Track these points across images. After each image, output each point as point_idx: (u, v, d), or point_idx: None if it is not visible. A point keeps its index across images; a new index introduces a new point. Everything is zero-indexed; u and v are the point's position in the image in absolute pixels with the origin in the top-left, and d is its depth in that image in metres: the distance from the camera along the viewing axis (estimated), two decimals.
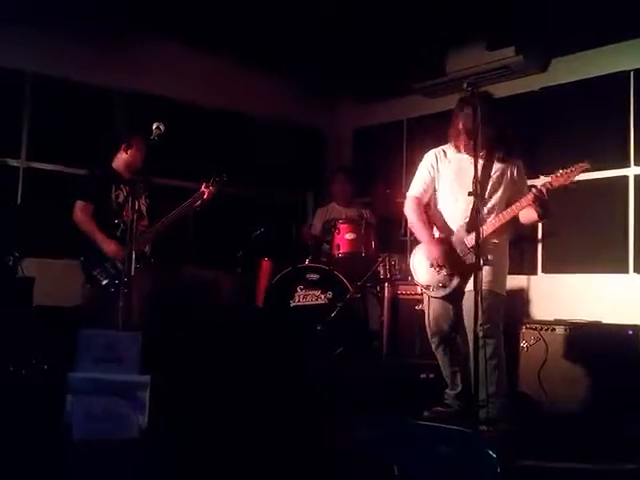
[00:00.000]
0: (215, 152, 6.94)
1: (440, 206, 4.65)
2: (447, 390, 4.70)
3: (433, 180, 4.63)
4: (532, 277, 6.44)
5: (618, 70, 6.03)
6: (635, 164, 5.91)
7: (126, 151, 5.35)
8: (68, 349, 4.08)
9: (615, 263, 5.94)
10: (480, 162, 4.36)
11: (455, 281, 4.45)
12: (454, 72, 6.74)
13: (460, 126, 4.44)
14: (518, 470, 3.26)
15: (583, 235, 6.10)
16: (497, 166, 4.51)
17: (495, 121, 4.33)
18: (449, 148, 4.61)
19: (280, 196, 7.38)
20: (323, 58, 7.32)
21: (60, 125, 6.43)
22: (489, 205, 4.46)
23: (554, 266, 6.36)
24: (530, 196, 4.28)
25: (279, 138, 7.78)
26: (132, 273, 4.42)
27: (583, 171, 4.22)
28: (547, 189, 4.23)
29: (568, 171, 4.21)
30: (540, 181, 5.17)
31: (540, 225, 6.26)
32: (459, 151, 4.53)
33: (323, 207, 7.11)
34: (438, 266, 4.48)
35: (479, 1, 5.97)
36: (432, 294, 4.59)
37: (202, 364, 5.39)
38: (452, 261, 4.45)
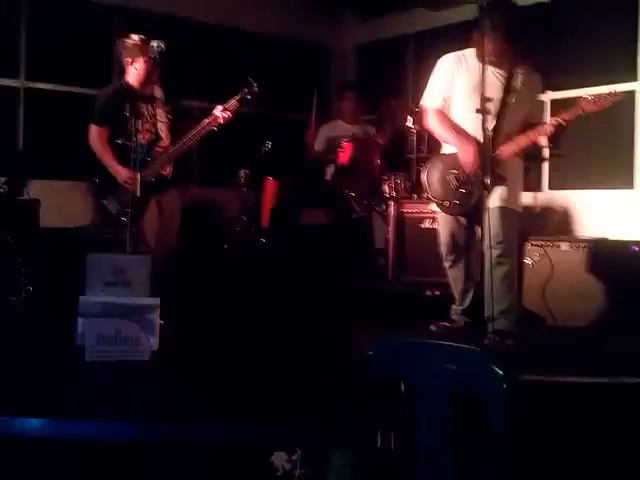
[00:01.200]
0: (217, 69, 6.82)
1: (452, 118, 4.37)
2: (453, 306, 4.62)
3: (450, 87, 4.31)
4: (538, 194, 6.42)
5: None
6: None
7: (132, 64, 5.06)
8: (76, 270, 4.12)
9: (620, 178, 5.92)
10: (503, 75, 4.22)
11: (474, 199, 4.19)
12: None
13: (483, 35, 3.98)
14: (523, 385, 3.31)
15: (589, 150, 6.05)
16: (520, 81, 4.23)
17: (520, 31, 4.15)
18: (471, 55, 4.24)
19: (284, 112, 7.29)
20: None
21: (59, 43, 6.32)
22: (508, 123, 4.20)
23: (560, 182, 6.34)
24: (548, 128, 4.11)
25: (281, 53, 7.65)
26: (138, 196, 4.38)
27: (614, 100, 4.05)
28: (566, 120, 4.08)
29: (602, 97, 4.03)
30: (547, 96, 5.07)
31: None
32: (482, 60, 3.99)
33: (327, 124, 6.97)
34: (464, 175, 4.23)
35: None
36: (446, 210, 4.38)
37: (208, 286, 5.43)
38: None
